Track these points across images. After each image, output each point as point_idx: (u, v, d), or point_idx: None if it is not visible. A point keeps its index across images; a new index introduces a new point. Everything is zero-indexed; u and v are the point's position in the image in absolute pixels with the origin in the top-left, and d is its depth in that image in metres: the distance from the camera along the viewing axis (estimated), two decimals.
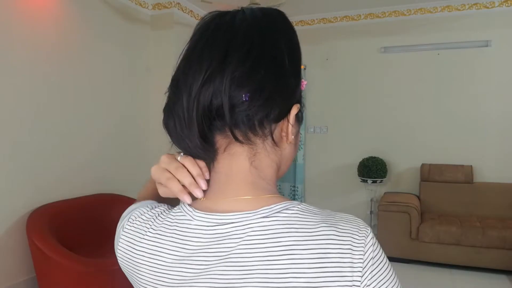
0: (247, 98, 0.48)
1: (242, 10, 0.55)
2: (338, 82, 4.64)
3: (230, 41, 0.50)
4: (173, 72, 0.55)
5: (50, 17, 3.10)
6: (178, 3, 4.13)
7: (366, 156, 4.42)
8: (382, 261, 0.48)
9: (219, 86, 0.48)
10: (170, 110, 0.53)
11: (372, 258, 0.47)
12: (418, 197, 4.20)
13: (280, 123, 0.53)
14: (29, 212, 2.85)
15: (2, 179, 2.74)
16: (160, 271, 0.51)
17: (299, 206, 0.49)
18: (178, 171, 0.54)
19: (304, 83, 0.57)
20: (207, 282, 0.49)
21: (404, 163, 4.44)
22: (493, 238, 3.43)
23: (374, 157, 4.34)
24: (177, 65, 0.55)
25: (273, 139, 0.53)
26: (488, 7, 4.10)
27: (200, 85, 0.49)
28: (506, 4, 4.04)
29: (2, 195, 2.74)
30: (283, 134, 0.54)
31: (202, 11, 4.53)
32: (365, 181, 4.34)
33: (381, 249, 0.49)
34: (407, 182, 4.44)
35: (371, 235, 0.48)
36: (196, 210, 0.52)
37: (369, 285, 0.46)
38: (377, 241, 0.49)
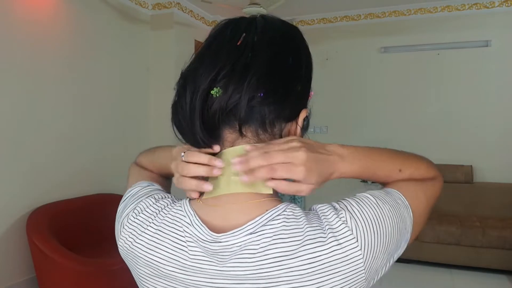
0: (261, 94, 0.49)
1: (261, 17, 0.56)
2: (338, 82, 4.64)
3: (253, 42, 0.52)
4: (184, 68, 0.55)
5: (50, 17, 3.10)
6: (178, 3, 4.13)
7: None
8: (375, 226, 0.48)
9: (238, 85, 0.49)
10: (176, 108, 0.54)
11: (365, 234, 0.48)
12: None
13: (289, 124, 0.55)
14: (29, 212, 2.85)
15: (2, 179, 2.74)
16: (155, 265, 0.52)
17: (285, 214, 0.49)
18: (189, 169, 0.52)
19: (311, 93, 0.58)
20: (200, 285, 0.50)
21: None
22: (493, 238, 3.43)
23: None
24: (190, 61, 0.55)
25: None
26: (488, 7, 4.10)
27: (212, 81, 0.49)
28: (506, 4, 4.04)
29: (2, 195, 2.74)
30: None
31: (202, 11, 4.53)
32: (365, 181, 4.34)
33: (366, 213, 0.49)
34: None
35: (347, 214, 0.49)
36: (196, 216, 0.52)
37: (373, 257, 0.48)
38: (359, 208, 0.49)
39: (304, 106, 0.56)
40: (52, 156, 3.11)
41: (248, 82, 0.49)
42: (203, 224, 0.51)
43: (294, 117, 0.55)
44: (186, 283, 0.51)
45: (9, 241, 2.80)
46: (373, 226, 0.48)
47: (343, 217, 0.49)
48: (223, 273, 0.49)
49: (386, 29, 4.46)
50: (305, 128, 0.57)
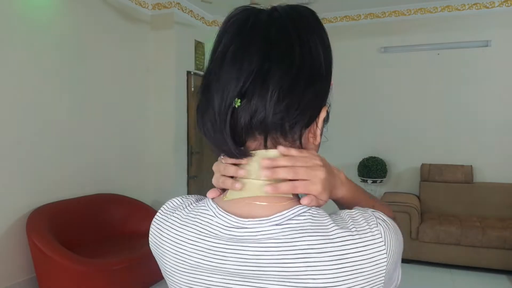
0: (284, 108, 0.50)
1: (275, 9, 0.55)
2: (338, 82, 4.62)
3: (270, 48, 0.50)
4: (205, 71, 0.55)
5: (50, 17, 3.10)
6: (178, 3, 4.13)
7: (366, 156, 4.42)
8: (396, 235, 0.52)
9: (261, 100, 0.49)
10: (203, 114, 0.53)
11: (391, 240, 0.50)
12: (418, 197, 4.20)
13: (310, 127, 0.55)
14: (29, 212, 2.85)
15: (2, 179, 2.74)
16: (181, 258, 0.53)
17: (310, 211, 0.51)
18: (226, 170, 0.56)
19: (332, 83, 0.57)
20: (224, 278, 0.51)
21: (404, 163, 4.44)
22: (493, 238, 3.43)
23: (374, 157, 4.34)
24: (209, 64, 0.54)
25: (301, 143, 0.54)
26: (488, 7, 4.10)
27: (238, 95, 0.49)
28: (506, 4, 4.04)
29: (2, 195, 2.74)
30: (311, 135, 0.56)
31: (202, 11, 4.53)
32: (365, 181, 4.34)
33: (388, 222, 0.53)
34: (407, 182, 4.44)
35: (378, 220, 0.51)
36: (219, 208, 0.53)
37: (391, 263, 0.50)
38: (382, 218, 0.52)
39: (324, 104, 0.56)
40: (52, 156, 3.11)
41: (270, 97, 0.49)
42: (228, 213, 0.53)
43: (314, 119, 0.55)
44: (213, 271, 0.51)
45: (9, 241, 2.80)
46: (395, 233, 0.52)
47: (374, 222, 0.51)
48: (247, 260, 0.49)
49: (386, 29, 4.46)
50: (325, 121, 0.58)
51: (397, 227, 0.54)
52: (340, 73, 4.62)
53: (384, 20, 4.47)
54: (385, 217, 0.53)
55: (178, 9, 4.14)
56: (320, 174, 0.53)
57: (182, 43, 4.22)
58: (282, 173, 0.52)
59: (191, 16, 4.38)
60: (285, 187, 0.52)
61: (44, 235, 2.65)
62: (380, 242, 0.49)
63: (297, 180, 0.52)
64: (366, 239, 0.49)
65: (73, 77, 3.30)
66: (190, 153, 4.44)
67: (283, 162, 0.52)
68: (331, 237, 0.48)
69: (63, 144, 3.21)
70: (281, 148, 0.53)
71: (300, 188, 0.52)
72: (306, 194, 0.54)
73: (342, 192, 0.59)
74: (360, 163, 4.36)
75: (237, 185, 0.54)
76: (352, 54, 4.61)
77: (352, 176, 4.51)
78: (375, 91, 4.55)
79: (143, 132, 4.12)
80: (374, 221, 0.51)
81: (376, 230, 0.50)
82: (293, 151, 0.53)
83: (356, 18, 4.55)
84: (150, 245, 0.60)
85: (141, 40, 4.06)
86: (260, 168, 0.53)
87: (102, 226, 3.24)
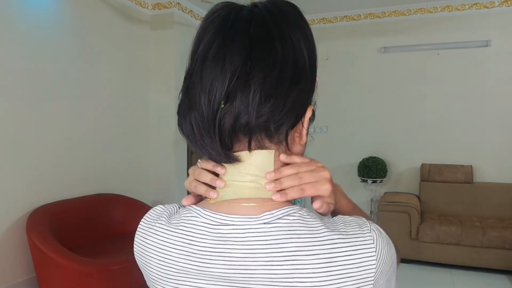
0: (267, 109, 0.48)
1: (256, 5, 0.53)
2: (338, 82, 4.64)
3: (251, 46, 0.49)
4: (187, 70, 0.53)
5: (50, 17, 3.10)
6: (178, 3, 4.13)
7: (366, 156, 4.42)
8: (389, 246, 0.51)
9: (245, 101, 0.47)
10: (185, 116, 0.51)
11: (383, 249, 0.49)
12: (418, 197, 4.20)
13: (295, 127, 0.54)
14: (29, 212, 2.85)
15: (2, 179, 2.74)
16: (167, 264, 0.52)
17: (300, 212, 0.50)
18: (200, 175, 0.55)
19: (317, 80, 0.56)
20: (210, 282, 0.50)
21: (404, 163, 4.44)
22: (493, 238, 3.43)
23: (374, 157, 4.34)
24: (191, 64, 0.52)
25: (287, 143, 0.53)
26: (488, 7, 4.10)
27: (224, 97, 0.48)
28: (506, 4, 4.04)
29: (2, 195, 2.74)
30: (297, 135, 0.55)
31: (202, 11, 4.53)
32: (365, 181, 4.34)
33: (383, 233, 0.51)
34: (407, 182, 4.44)
35: (372, 226, 0.50)
36: (204, 209, 0.52)
37: (381, 272, 0.49)
38: (377, 227, 0.51)
39: (310, 102, 0.55)
40: (52, 156, 3.11)
41: (252, 99, 0.47)
42: (214, 212, 0.51)
43: (300, 119, 0.53)
44: (199, 276, 0.50)
45: (9, 241, 2.80)
46: (388, 245, 0.51)
47: (367, 227, 0.50)
48: (234, 263, 0.48)
49: (386, 29, 4.46)
50: (311, 119, 0.56)
51: (391, 241, 0.52)
52: (340, 73, 4.64)
53: (384, 20, 4.47)
54: (380, 228, 0.52)
55: (178, 9, 4.14)
56: (326, 174, 0.53)
57: (182, 43, 4.21)
58: (287, 183, 0.51)
59: (191, 16, 4.38)
60: (293, 192, 0.51)
61: (44, 235, 2.65)
62: (371, 247, 0.48)
63: (304, 183, 0.51)
64: (356, 242, 0.47)
65: (73, 77, 3.29)
66: (190, 153, 4.44)
67: (288, 171, 0.52)
68: (320, 239, 0.47)
69: (63, 144, 3.21)
70: (283, 157, 0.52)
71: (308, 190, 0.51)
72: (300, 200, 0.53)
73: (343, 202, 0.60)
74: (360, 163, 4.36)
75: (212, 194, 0.52)
76: (352, 54, 4.61)
77: (352, 176, 4.51)
78: (375, 91, 4.55)
79: (143, 132, 4.12)
80: (367, 227, 0.50)
81: (368, 235, 0.48)
82: (296, 158, 0.53)
83: (356, 18, 4.55)
84: (135, 255, 0.58)
85: (141, 40, 4.06)
86: (265, 183, 0.51)
87: (102, 226, 3.24)
